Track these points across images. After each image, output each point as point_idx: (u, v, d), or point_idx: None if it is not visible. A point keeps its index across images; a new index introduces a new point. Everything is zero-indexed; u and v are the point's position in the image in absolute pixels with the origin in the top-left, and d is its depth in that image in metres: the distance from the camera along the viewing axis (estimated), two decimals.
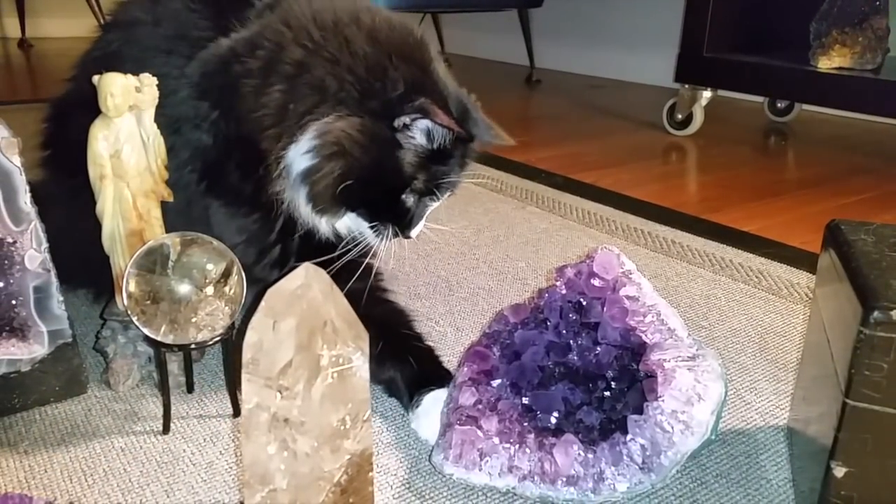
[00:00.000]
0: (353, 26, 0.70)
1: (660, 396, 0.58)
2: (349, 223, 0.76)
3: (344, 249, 0.74)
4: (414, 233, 0.75)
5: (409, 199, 0.72)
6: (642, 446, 0.57)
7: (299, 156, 0.68)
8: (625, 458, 0.57)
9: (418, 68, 0.69)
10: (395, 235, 0.74)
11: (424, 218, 0.76)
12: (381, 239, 0.74)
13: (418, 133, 0.68)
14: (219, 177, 0.73)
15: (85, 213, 0.70)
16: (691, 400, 0.58)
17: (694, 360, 0.60)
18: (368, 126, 0.67)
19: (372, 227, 0.73)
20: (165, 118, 0.69)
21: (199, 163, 0.74)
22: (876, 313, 0.46)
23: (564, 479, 0.57)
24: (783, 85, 1.73)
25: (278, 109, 0.68)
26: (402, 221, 0.73)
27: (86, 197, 0.71)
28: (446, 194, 0.75)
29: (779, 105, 2.11)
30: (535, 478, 0.58)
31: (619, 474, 0.57)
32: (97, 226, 0.68)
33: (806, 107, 2.12)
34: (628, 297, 0.66)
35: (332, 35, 0.69)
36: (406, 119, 0.67)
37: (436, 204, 0.75)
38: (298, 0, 0.74)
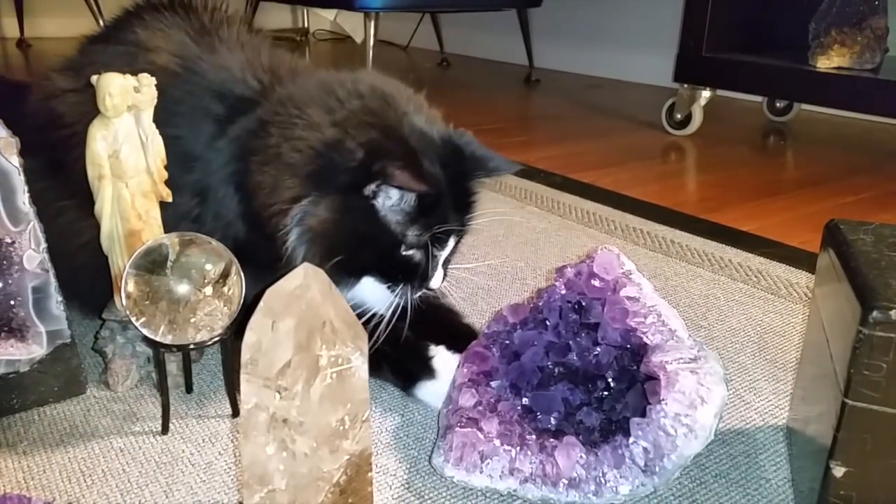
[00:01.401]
0: (316, 102, 0.71)
1: (663, 399, 0.57)
2: (370, 294, 0.74)
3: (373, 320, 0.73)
4: (434, 284, 0.75)
5: (410, 253, 0.72)
6: (645, 449, 0.57)
7: (295, 243, 0.69)
8: (627, 460, 0.57)
9: (380, 130, 0.69)
10: (416, 290, 0.74)
11: (440, 267, 0.75)
12: (402, 298, 0.73)
13: (393, 193, 0.68)
14: (248, 250, 0.72)
15: (74, 226, 0.72)
16: (694, 403, 0.57)
17: (696, 363, 0.60)
18: (339, 202, 0.68)
19: (388, 288, 0.73)
20: (191, 183, 0.72)
21: (227, 235, 0.73)
22: (875, 313, 0.46)
23: (566, 482, 0.57)
24: (782, 85, 1.73)
25: (271, 191, 0.69)
26: (414, 276, 0.73)
27: (71, 211, 0.73)
28: (452, 240, 0.74)
29: (778, 105, 2.11)
30: (537, 480, 0.58)
31: (621, 477, 0.57)
32: (88, 239, 0.69)
33: (805, 106, 2.13)
34: (629, 298, 0.65)
35: (300, 115, 0.70)
36: (371, 186, 0.67)
37: (445, 252, 0.74)
38: (306, 78, 0.76)
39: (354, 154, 0.67)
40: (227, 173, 0.73)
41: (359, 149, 0.67)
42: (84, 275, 0.74)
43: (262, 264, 0.70)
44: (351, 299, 0.73)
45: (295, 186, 0.68)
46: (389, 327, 0.72)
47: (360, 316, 0.72)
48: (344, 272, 0.70)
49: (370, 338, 0.70)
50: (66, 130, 0.74)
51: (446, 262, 0.77)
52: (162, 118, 0.69)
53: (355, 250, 0.70)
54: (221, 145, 0.73)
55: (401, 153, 0.67)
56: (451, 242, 0.74)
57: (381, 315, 0.73)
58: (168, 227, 0.70)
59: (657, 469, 0.56)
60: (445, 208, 0.71)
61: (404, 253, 0.71)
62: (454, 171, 0.72)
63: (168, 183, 0.69)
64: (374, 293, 0.73)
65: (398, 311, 0.73)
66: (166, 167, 0.69)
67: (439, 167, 0.70)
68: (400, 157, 0.66)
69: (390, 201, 0.69)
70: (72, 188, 0.71)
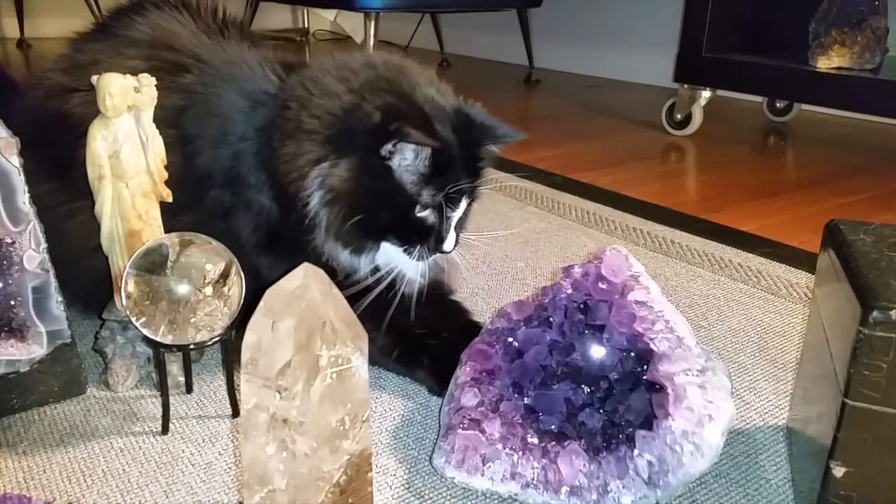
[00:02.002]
0: (332, 74, 0.75)
1: (670, 415, 0.57)
2: (386, 257, 0.77)
3: (376, 278, 0.76)
4: (447, 246, 0.77)
5: (425, 214, 0.74)
6: (649, 462, 0.56)
7: (317, 207, 0.72)
8: (631, 472, 0.56)
9: (395, 96, 0.72)
10: (431, 252, 0.76)
11: (453, 229, 0.77)
12: (418, 259, 0.76)
13: (408, 153, 0.71)
14: (278, 236, 0.76)
15: (86, 228, 0.72)
16: (702, 421, 0.57)
17: (704, 375, 0.59)
18: (357, 162, 0.71)
19: (405, 251, 0.75)
20: (221, 176, 0.75)
21: (262, 224, 0.76)
22: (875, 313, 0.46)
23: (568, 489, 0.57)
24: (782, 85, 1.73)
25: (292, 159, 0.71)
26: (429, 238, 0.75)
27: (83, 213, 0.73)
28: (463, 201, 0.77)
29: (778, 105, 2.11)
30: (539, 486, 0.58)
31: (623, 487, 0.56)
32: (83, 241, 0.69)
33: (805, 107, 2.12)
34: (636, 303, 0.65)
35: (317, 86, 0.74)
36: (388, 146, 0.70)
37: (458, 212, 0.77)
38: (320, 60, 0.79)
39: (371, 116, 0.70)
40: (255, 160, 0.75)
41: (375, 112, 0.70)
42: (95, 277, 0.74)
43: (298, 249, 0.73)
44: (385, 265, 0.77)
45: (314, 150, 0.71)
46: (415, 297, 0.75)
47: (391, 283, 0.75)
48: (364, 234, 0.73)
49: (399, 307, 0.74)
50: (73, 131, 0.74)
51: (459, 226, 0.79)
52: (184, 117, 0.72)
53: (374, 210, 0.72)
54: (248, 136, 0.75)
55: (415, 115, 0.71)
56: (463, 204, 0.77)
57: (412, 280, 0.76)
58: (200, 224, 0.70)
59: (661, 483, 0.56)
60: (457, 170, 0.74)
61: (419, 214, 0.73)
62: (465, 137, 0.75)
63: (195, 178, 0.70)
64: (401, 255, 0.76)
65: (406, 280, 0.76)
66: (166, 167, 0.69)
67: (451, 132, 0.73)
68: (414, 118, 0.69)
69: (406, 161, 0.71)
70: (84, 189, 0.71)
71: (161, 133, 0.69)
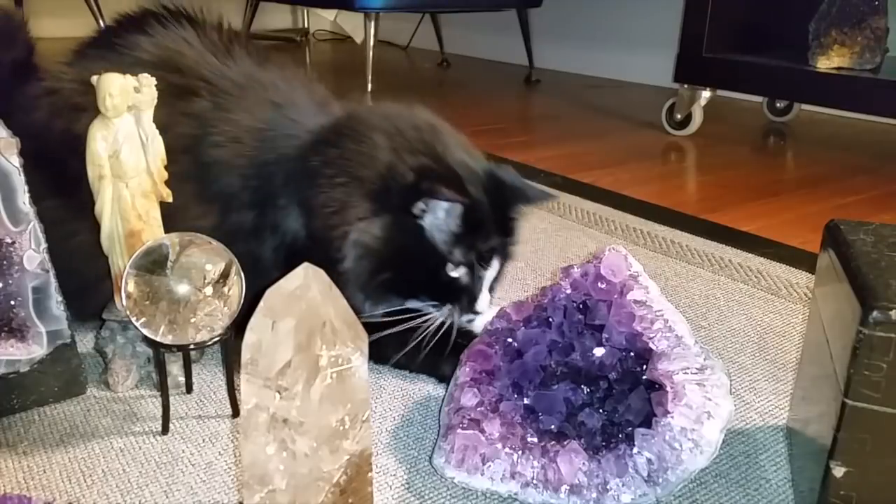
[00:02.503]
0: (379, 128, 0.76)
1: (669, 412, 0.57)
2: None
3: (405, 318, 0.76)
4: (481, 306, 0.77)
5: (458, 273, 0.75)
6: (649, 460, 0.56)
7: (349, 264, 0.73)
8: (630, 470, 0.56)
9: (428, 157, 0.74)
10: (464, 312, 0.77)
11: (486, 289, 0.77)
12: (448, 319, 0.76)
13: (439, 212, 0.73)
14: (301, 258, 0.75)
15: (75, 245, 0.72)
16: (701, 418, 0.57)
17: (703, 373, 0.60)
18: (390, 220, 0.72)
19: (436, 308, 0.76)
20: (247, 196, 0.75)
21: (285, 244, 0.76)
22: (875, 313, 0.46)
23: (567, 488, 0.57)
24: (782, 85, 1.73)
25: (339, 209, 0.73)
26: (461, 297, 0.76)
27: (66, 217, 0.73)
28: (496, 261, 0.77)
29: (778, 105, 2.11)
30: (538, 485, 0.58)
31: (623, 485, 0.56)
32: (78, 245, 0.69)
33: (805, 107, 2.13)
34: (635, 302, 0.65)
35: (362, 137, 0.75)
36: (420, 204, 0.72)
37: (491, 272, 0.77)
38: (363, 105, 0.83)
39: (406, 176, 0.72)
40: (285, 185, 0.76)
41: (409, 172, 0.72)
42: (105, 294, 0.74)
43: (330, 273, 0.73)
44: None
45: (360, 205, 0.72)
46: (433, 340, 0.75)
47: (416, 317, 0.75)
48: (392, 291, 0.74)
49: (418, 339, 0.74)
50: (82, 151, 0.72)
51: (492, 287, 0.79)
52: (197, 145, 0.74)
53: (404, 268, 0.74)
54: (275, 161, 0.76)
55: (446, 174, 0.73)
56: (496, 264, 0.78)
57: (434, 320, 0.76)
58: (227, 241, 0.70)
59: (660, 480, 0.56)
60: (489, 229, 0.75)
61: (451, 273, 0.74)
62: (496, 197, 0.76)
63: (214, 204, 0.72)
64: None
65: (442, 330, 0.76)
66: (167, 167, 0.69)
67: (482, 192, 0.75)
68: (445, 178, 0.72)
69: (437, 220, 0.73)
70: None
71: (177, 161, 0.70)
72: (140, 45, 0.80)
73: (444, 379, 0.76)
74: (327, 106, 0.83)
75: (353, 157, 0.74)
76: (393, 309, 0.75)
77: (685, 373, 0.59)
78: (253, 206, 0.76)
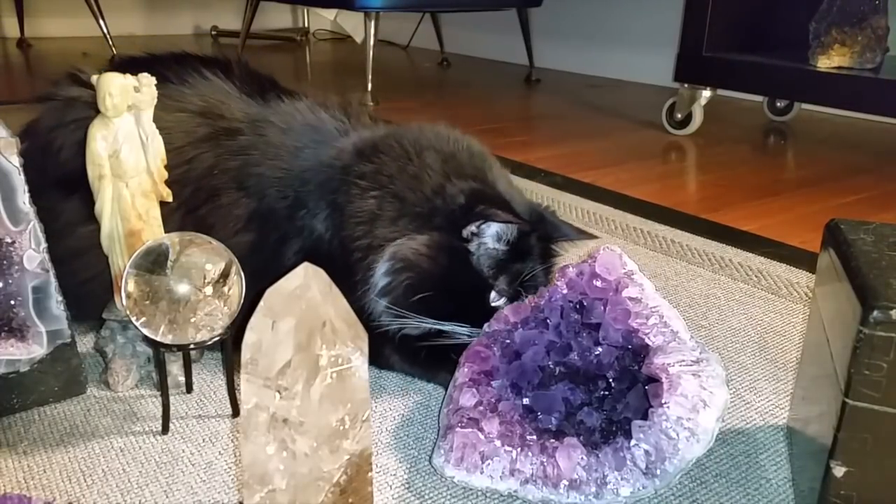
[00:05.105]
0: (434, 150, 0.77)
1: (665, 403, 0.57)
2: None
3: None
4: None
5: (498, 301, 0.74)
6: (646, 452, 0.56)
7: (380, 275, 0.72)
8: (628, 462, 0.56)
9: (479, 182, 0.75)
10: None
11: None
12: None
13: (489, 238, 0.72)
14: (322, 264, 0.76)
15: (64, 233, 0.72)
16: (697, 407, 0.57)
17: (698, 365, 0.60)
18: (436, 240, 0.72)
19: (468, 334, 0.74)
20: (283, 199, 0.77)
21: (307, 247, 0.77)
22: (875, 313, 0.46)
23: (567, 483, 0.57)
24: (782, 84, 1.73)
25: (371, 221, 0.73)
26: None
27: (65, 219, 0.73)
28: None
29: (778, 104, 2.11)
30: (538, 481, 0.58)
31: (622, 479, 0.56)
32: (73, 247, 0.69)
33: (805, 106, 2.12)
34: (631, 299, 0.65)
35: (408, 157, 0.76)
36: (472, 227, 0.71)
37: None
38: (405, 125, 0.83)
39: (456, 198, 0.73)
40: (318, 190, 0.77)
41: (460, 194, 0.73)
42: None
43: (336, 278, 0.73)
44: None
45: (398, 226, 0.72)
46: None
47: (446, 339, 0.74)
48: (427, 311, 0.72)
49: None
50: None
51: None
52: (242, 173, 0.76)
53: (445, 291, 0.72)
54: (312, 166, 0.78)
55: (498, 199, 0.74)
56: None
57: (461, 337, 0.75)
58: (270, 254, 0.72)
59: (658, 472, 0.56)
60: (534, 259, 0.76)
61: (493, 303, 0.74)
62: (540, 231, 0.77)
63: (260, 223, 0.74)
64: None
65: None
66: (167, 167, 0.69)
67: (529, 224, 0.75)
68: (498, 202, 0.73)
69: (486, 245, 0.73)
70: None
71: (230, 195, 0.73)
72: (185, 97, 0.81)
73: (444, 384, 0.75)
74: (360, 126, 0.84)
75: (395, 174, 0.75)
76: (418, 329, 0.74)
77: (680, 364, 0.60)
78: (289, 216, 0.77)
